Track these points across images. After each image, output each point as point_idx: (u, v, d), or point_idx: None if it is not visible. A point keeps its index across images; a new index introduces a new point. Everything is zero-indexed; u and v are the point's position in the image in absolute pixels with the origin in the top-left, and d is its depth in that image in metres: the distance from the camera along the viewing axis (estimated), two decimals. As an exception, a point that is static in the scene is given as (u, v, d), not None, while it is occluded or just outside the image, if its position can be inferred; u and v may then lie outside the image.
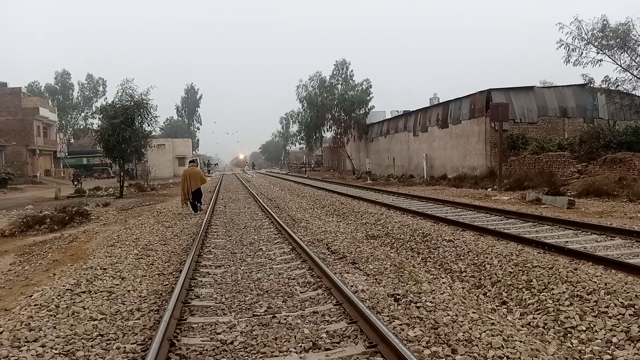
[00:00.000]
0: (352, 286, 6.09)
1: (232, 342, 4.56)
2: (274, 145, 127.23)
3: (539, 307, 5.44)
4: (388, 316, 4.97)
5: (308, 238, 10.29)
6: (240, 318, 5.29)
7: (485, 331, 4.44)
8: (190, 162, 18.15)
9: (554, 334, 4.80)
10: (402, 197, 19.28)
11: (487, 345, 4.15)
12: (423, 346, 4.22)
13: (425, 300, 5.38)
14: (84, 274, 7.11)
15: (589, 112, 28.24)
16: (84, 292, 6.17)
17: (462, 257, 7.76)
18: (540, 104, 27.64)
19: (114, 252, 8.87)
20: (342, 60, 52.11)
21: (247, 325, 5.01)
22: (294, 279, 6.87)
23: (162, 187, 35.68)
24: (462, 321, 4.70)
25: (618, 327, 4.58)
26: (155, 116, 26.39)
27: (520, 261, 6.84)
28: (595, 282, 5.60)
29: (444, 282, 6.76)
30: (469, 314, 4.96)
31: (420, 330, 4.55)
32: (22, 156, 47.80)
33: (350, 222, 12.94)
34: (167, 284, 6.88)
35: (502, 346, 4.13)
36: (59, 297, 5.90)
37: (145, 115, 25.47)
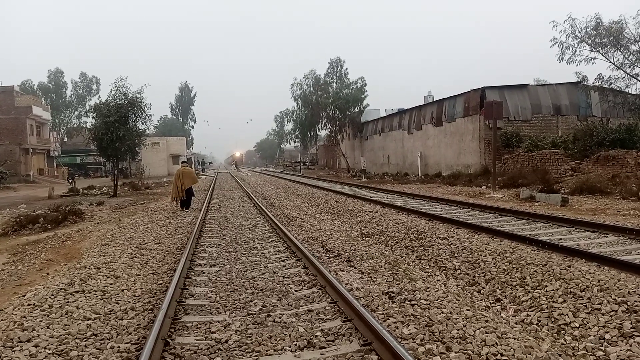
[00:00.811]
0: (346, 284, 6.10)
1: (226, 341, 4.56)
2: (269, 144, 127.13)
3: (532, 304, 5.46)
4: (383, 314, 4.98)
5: (303, 236, 10.28)
6: (235, 317, 5.28)
7: (479, 328, 4.46)
8: (183, 162, 19.13)
9: (548, 330, 4.83)
10: (397, 195, 19.31)
11: (481, 342, 4.16)
12: (417, 344, 4.23)
13: (420, 298, 5.39)
14: (78, 273, 7.08)
15: (583, 110, 28.38)
16: (77, 292, 6.14)
17: (456, 255, 7.78)
18: (534, 102, 27.75)
19: (107, 251, 8.83)
20: (336, 59, 52.04)
21: (241, 324, 5.01)
22: (288, 278, 6.87)
23: (156, 185, 35.57)
24: (456, 319, 4.71)
25: (611, 323, 4.61)
26: (149, 114, 26.31)
27: (514, 258, 6.86)
28: (589, 279, 5.63)
29: (438, 280, 6.78)
30: (463, 311, 4.97)
31: (414, 327, 4.56)
32: (15, 155, 47.50)
33: (345, 220, 12.94)
34: (161, 283, 6.85)
35: (496, 343, 4.14)
36: (53, 297, 5.87)
37: (139, 114, 25.38)
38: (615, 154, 18.34)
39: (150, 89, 26.33)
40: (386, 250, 8.85)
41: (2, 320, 5.21)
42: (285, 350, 4.32)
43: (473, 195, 17.98)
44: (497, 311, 5.56)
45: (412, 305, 5.18)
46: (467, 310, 5.04)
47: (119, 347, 4.42)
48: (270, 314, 5.29)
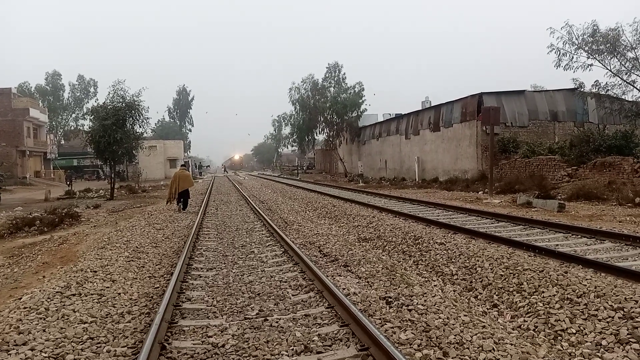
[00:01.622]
0: (344, 289, 6.09)
1: (223, 346, 4.55)
2: (266, 148, 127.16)
3: (529, 310, 5.47)
4: (380, 319, 4.98)
5: (300, 241, 10.28)
6: (232, 321, 5.27)
7: (476, 334, 4.46)
8: (181, 165, 20.36)
9: (545, 336, 4.83)
10: (394, 200, 19.32)
11: (478, 348, 4.16)
12: (415, 349, 4.23)
13: (417, 303, 5.39)
14: (74, 276, 7.05)
15: (579, 116, 28.50)
16: (74, 295, 6.12)
17: (453, 260, 7.79)
18: (531, 107, 27.86)
19: (104, 255, 8.80)
20: (334, 63, 52.22)
21: (238, 329, 5.00)
22: (285, 282, 6.86)
23: (153, 189, 35.52)
24: (453, 324, 4.71)
25: (607, 330, 4.62)
26: (147, 117, 26.34)
27: (511, 264, 6.87)
28: (585, 285, 5.64)
29: (435, 285, 6.78)
30: (460, 316, 4.98)
31: (411, 333, 4.56)
32: (11, 157, 47.37)
33: (342, 224, 12.94)
34: (158, 287, 6.84)
35: (493, 349, 4.15)
36: (49, 300, 5.84)
37: (137, 117, 25.38)
38: (611, 161, 18.42)
39: (148, 92, 26.33)
40: (383, 255, 8.85)
41: (-3, 323, 5.19)
42: (282, 355, 4.31)
43: (470, 201, 18.01)
44: (494, 317, 5.56)
45: (410, 310, 5.18)
46: (464, 315, 5.04)
47: (115, 350, 4.41)
48: (267, 318, 5.28)
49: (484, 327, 4.72)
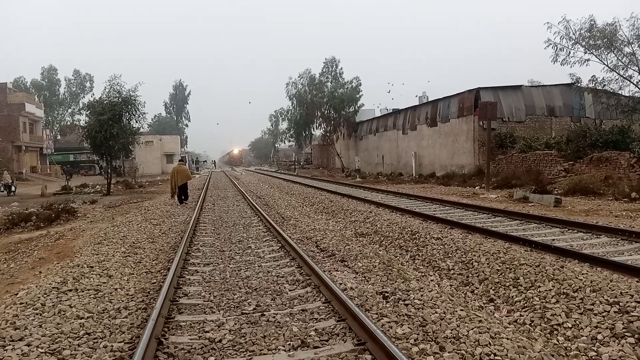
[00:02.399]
0: (340, 284, 6.10)
1: (220, 341, 4.55)
2: (263, 143, 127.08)
3: (525, 305, 5.48)
4: (376, 314, 4.99)
5: (297, 236, 10.28)
6: (229, 316, 5.27)
7: (472, 329, 4.47)
8: (179, 160, 20.50)
9: (541, 331, 4.85)
10: (391, 195, 19.34)
11: (474, 342, 4.18)
12: (411, 344, 4.24)
13: (414, 298, 5.40)
14: (71, 272, 7.05)
15: (576, 112, 28.53)
16: (70, 290, 6.11)
17: (450, 255, 7.80)
18: (528, 103, 27.87)
19: (101, 250, 8.80)
20: (331, 58, 52.11)
21: (235, 324, 5.00)
22: (282, 277, 6.87)
23: (150, 184, 35.46)
24: (450, 319, 4.72)
25: (603, 324, 4.64)
26: (143, 113, 26.28)
27: (508, 259, 6.89)
28: (581, 279, 5.66)
29: (432, 280, 6.79)
30: (456, 311, 4.99)
31: (408, 327, 4.57)
32: (7, 152, 47.20)
33: (339, 219, 12.95)
34: (155, 282, 6.83)
35: (490, 343, 4.16)
36: (45, 296, 5.84)
37: (133, 112, 25.33)
38: (608, 156, 18.46)
39: (144, 87, 26.25)
40: (380, 250, 8.86)
41: (-6, 318, 5.18)
42: (279, 349, 4.32)
43: (467, 196, 18.04)
44: (491, 311, 5.58)
45: (406, 305, 5.19)
46: (461, 310, 5.05)
47: (112, 346, 4.40)
48: (264, 313, 5.29)
49: (480, 321, 4.74)
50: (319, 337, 4.53)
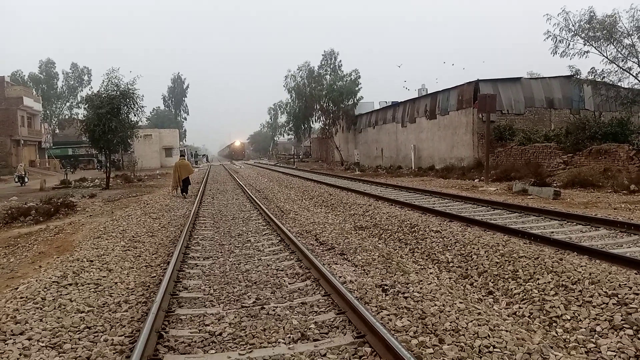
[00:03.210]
0: (340, 277, 6.11)
1: (220, 334, 4.57)
2: (263, 136, 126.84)
3: (524, 297, 5.50)
4: (376, 306, 5.00)
5: (296, 229, 10.30)
6: (229, 309, 5.29)
7: (472, 321, 4.49)
8: (181, 155, 22.53)
9: (540, 323, 4.87)
10: (390, 188, 19.34)
11: (473, 334, 4.19)
12: (411, 336, 4.25)
13: (413, 291, 5.42)
14: (71, 266, 7.06)
15: (575, 104, 28.49)
16: (70, 285, 6.12)
17: (449, 248, 7.82)
18: (527, 95, 27.82)
19: (100, 244, 8.80)
20: (330, 51, 52.01)
21: (235, 317, 5.01)
22: (282, 270, 6.88)
23: (149, 178, 35.39)
24: (449, 311, 4.74)
25: (602, 316, 4.65)
26: (142, 106, 26.11)
27: (507, 251, 6.91)
28: (580, 272, 5.68)
29: (431, 273, 6.81)
30: (455, 304, 5.01)
31: (407, 320, 4.58)
32: (6, 147, 47.13)
33: (338, 213, 12.96)
34: (154, 276, 6.85)
35: (489, 336, 4.18)
36: (45, 290, 5.85)
37: (132, 105, 25.21)
38: (607, 148, 18.45)
39: (142, 80, 26.13)
40: (379, 243, 8.87)
41: (-6, 313, 5.19)
42: (279, 342, 4.34)
43: (466, 189, 18.05)
44: (490, 304, 5.60)
45: (405, 298, 5.21)
46: (460, 302, 5.07)
47: (112, 339, 4.42)
48: (264, 306, 5.30)
49: (479, 314, 4.76)
50: (319, 330, 4.55)
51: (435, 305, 4.92)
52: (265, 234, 10.03)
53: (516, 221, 10.09)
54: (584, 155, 19.33)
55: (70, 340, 4.41)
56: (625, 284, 5.09)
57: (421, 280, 5.91)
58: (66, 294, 5.73)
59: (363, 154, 44.86)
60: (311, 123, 56.14)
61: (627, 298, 4.82)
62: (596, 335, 4.40)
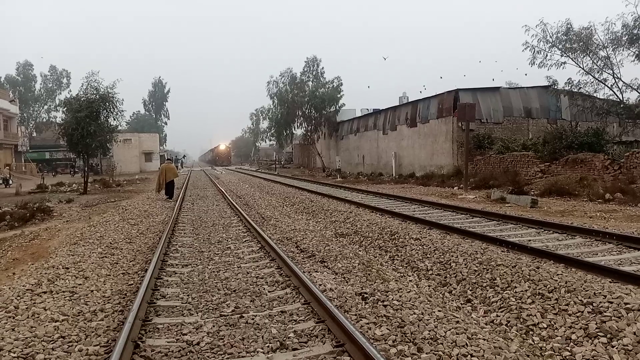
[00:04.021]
0: (320, 285, 6.10)
1: (198, 343, 4.51)
2: (244, 142, 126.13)
3: (502, 305, 5.56)
4: (356, 315, 5.00)
5: (277, 236, 10.26)
6: (207, 318, 5.24)
7: (450, 329, 4.52)
8: (167, 159, 25.33)
9: (517, 331, 4.92)
10: (371, 195, 19.42)
11: (451, 343, 4.22)
12: (390, 345, 4.26)
13: (393, 299, 5.43)
14: (45, 273, 6.92)
15: (553, 113, 29.02)
16: (45, 293, 6.00)
17: (428, 256, 7.87)
18: (505, 104, 28.26)
19: (77, 251, 8.65)
20: (312, 57, 52.14)
21: (214, 326, 4.97)
22: (262, 278, 6.84)
23: (128, 183, 34.96)
24: (427, 319, 4.77)
25: (577, 324, 4.73)
26: (122, 110, 25.83)
27: (485, 259, 6.98)
28: (556, 280, 5.76)
29: (410, 280, 6.84)
30: (434, 312, 5.03)
31: (387, 329, 4.59)
32: (-20, 150, 46.05)
33: (319, 220, 12.96)
34: (132, 284, 6.75)
35: (467, 344, 4.21)
36: (19, 298, 5.72)
37: (111, 109, 24.90)
38: (583, 157, 18.81)
39: (122, 85, 25.86)
40: (360, 251, 8.89)
41: (-36, 322, 5.05)
42: (257, 352, 4.31)
43: (445, 196, 18.21)
44: (468, 312, 5.65)
45: (385, 306, 5.22)
46: (439, 311, 5.10)
47: (87, 349, 4.34)
48: (243, 315, 5.26)
49: (457, 322, 4.79)
50: (298, 339, 4.53)
51: (414, 313, 4.94)
52: (245, 240, 9.97)
53: (494, 229, 10.21)
54: (561, 164, 19.68)
55: (44, 350, 4.31)
56: (600, 293, 5.18)
57: (401, 288, 5.93)
58: (40, 303, 5.61)
59: (345, 160, 44.98)
60: (293, 129, 56.10)
61: (601, 306, 4.90)
62: (571, 344, 4.47)
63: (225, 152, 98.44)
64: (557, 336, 4.63)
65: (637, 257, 7.34)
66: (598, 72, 22.33)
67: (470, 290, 6.24)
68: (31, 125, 74.01)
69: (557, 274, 6.02)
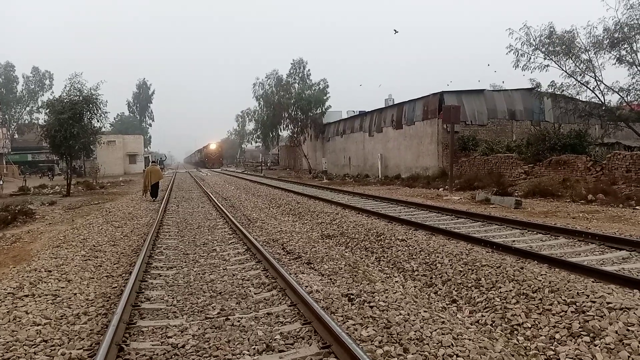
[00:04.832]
0: (306, 287, 6.09)
1: (183, 346, 4.47)
2: (230, 143, 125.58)
3: (487, 305, 5.60)
4: (342, 316, 5.00)
5: (263, 238, 10.23)
6: (192, 321, 5.20)
7: (435, 330, 4.54)
8: (152, 162, 25.21)
9: (501, 331, 4.96)
10: (358, 196, 19.46)
11: (437, 343, 4.24)
12: (376, 346, 4.27)
13: (379, 300, 5.44)
14: (27, 276, 6.81)
15: (536, 116, 29.39)
16: (26, 296, 5.91)
17: (414, 256, 7.90)
18: (490, 106, 28.55)
19: (59, 254, 8.53)
20: (299, 59, 52.11)
21: (199, 328, 4.93)
22: (248, 280, 6.81)
23: (112, 185, 34.58)
24: (413, 320, 4.78)
25: (561, 323, 4.78)
26: (105, 112, 25.57)
27: (470, 260, 7.02)
28: (540, 280, 5.81)
29: (396, 281, 6.86)
30: (420, 312, 5.05)
31: (373, 330, 4.60)
32: (-40, 152, 45.20)
33: (306, 221, 12.94)
34: (116, 287, 6.67)
35: (452, 344, 4.23)
36: (0, 302, 5.62)
37: (95, 111, 24.65)
38: (566, 159, 19.06)
39: (106, 86, 25.63)
40: (346, 252, 8.89)
41: (-57, 327, 4.95)
42: (243, 354, 4.28)
43: (431, 198, 18.32)
44: (453, 312, 5.67)
45: (371, 307, 5.22)
46: (425, 311, 5.12)
47: (70, 353, 4.28)
48: (229, 317, 5.23)
49: (443, 322, 4.81)
50: (284, 341, 4.52)
51: (401, 314, 4.96)
52: (231, 242, 9.92)
53: (479, 230, 10.29)
54: (544, 166, 19.92)
55: (25, 354, 4.24)
56: (583, 292, 5.24)
57: (387, 289, 5.95)
58: (22, 306, 5.52)
59: (331, 162, 45.01)
60: (279, 131, 55.98)
61: (584, 306, 4.96)
62: (555, 343, 4.51)
63: (217, 151, 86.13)
64: (541, 336, 4.67)
65: (618, 257, 7.45)
66: (580, 75, 22.61)
67: (456, 291, 6.27)
68: (13, 127, 72.79)
69: (541, 274, 6.08)
